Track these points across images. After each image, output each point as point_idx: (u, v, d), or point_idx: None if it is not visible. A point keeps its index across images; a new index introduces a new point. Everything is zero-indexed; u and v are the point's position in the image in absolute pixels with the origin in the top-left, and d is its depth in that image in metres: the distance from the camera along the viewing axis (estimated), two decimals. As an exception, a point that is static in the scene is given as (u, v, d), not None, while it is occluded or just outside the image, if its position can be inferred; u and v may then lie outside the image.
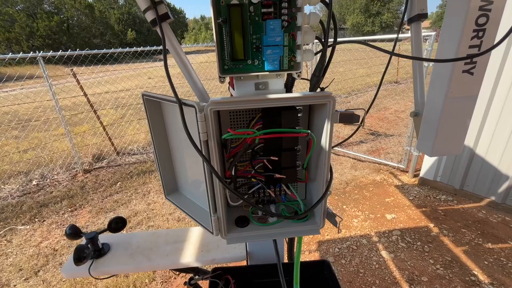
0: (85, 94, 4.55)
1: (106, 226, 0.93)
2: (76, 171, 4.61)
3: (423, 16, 0.70)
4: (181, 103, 0.47)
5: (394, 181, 4.00)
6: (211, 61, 8.19)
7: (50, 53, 3.98)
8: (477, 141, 3.15)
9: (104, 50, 4.28)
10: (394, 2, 45.16)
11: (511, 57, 2.76)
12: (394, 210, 3.32)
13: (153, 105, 0.64)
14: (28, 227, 3.41)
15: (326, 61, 0.51)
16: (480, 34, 0.54)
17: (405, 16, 0.72)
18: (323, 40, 0.50)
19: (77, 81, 4.40)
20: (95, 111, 4.73)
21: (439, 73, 0.60)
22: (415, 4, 0.70)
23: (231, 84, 0.62)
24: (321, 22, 0.50)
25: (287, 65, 0.52)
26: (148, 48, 4.68)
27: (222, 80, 0.52)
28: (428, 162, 3.73)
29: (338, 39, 0.53)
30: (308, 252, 2.73)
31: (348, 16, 48.98)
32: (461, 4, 0.52)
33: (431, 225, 3.00)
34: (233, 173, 0.56)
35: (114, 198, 4.00)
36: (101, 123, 4.83)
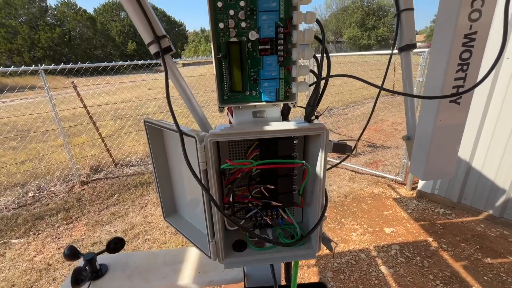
0: (85, 106, 4.58)
1: (102, 241, 0.93)
2: (73, 182, 4.59)
3: (412, 46, 0.73)
4: (182, 134, 0.49)
5: (392, 194, 4.01)
6: (211, 74, 8.32)
7: (52, 66, 4.04)
8: (473, 155, 3.18)
9: (105, 64, 4.35)
10: (389, 17, 46.48)
11: (503, 71, 2.83)
12: (392, 223, 3.31)
13: (154, 132, 0.66)
14: (22, 240, 3.36)
15: (320, 92, 0.54)
16: (465, 67, 0.57)
17: (395, 46, 0.76)
18: (317, 73, 0.53)
19: (77, 93, 4.44)
20: (94, 123, 4.75)
21: (428, 102, 0.63)
22: (405, 35, 0.74)
23: (229, 111, 0.65)
24: (315, 57, 0.53)
25: (283, 96, 0.55)
26: (148, 61, 4.75)
27: (221, 109, 0.55)
28: (425, 175, 3.75)
29: (331, 74, 0.56)
30: (307, 267, 2.70)
31: (345, 30, 50.20)
32: (444, 41, 0.55)
33: (430, 239, 2.98)
34: (231, 200, 0.58)
35: (111, 210, 3.97)
36: (100, 134, 4.85)
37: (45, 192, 4.36)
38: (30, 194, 4.27)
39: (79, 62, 4.45)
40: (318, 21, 0.49)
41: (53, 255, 3.08)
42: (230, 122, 0.64)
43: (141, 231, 3.49)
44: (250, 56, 0.51)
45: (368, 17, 47.59)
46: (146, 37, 0.54)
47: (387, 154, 5.45)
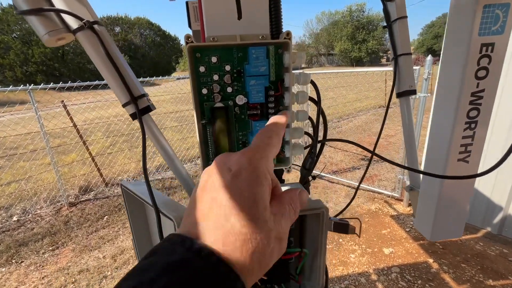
0: (75, 126, 4.48)
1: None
2: (61, 204, 4.42)
3: (412, 92, 0.69)
4: (159, 213, 0.43)
5: (389, 211, 3.95)
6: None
7: (41, 86, 3.97)
8: (469, 172, 3.17)
9: (96, 82, 4.29)
10: (378, 31, 48.10)
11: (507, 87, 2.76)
12: (391, 243, 3.24)
13: (133, 198, 0.59)
14: (3, 269, 3.16)
15: (316, 155, 0.49)
16: (472, 125, 0.52)
17: (394, 91, 0.72)
18: (312, 135, 0.48)
19: (67, 112, 4.35)
20: (84, 142, 4.64)
21: (435, 159, 0.58)
22: (403, 81, 0.70)
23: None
24: (310, 119, 0.48)
25: (276, 160, 0.49)
26: (141, 79, 4.72)
27: (206, 179, 0.49)
28: (421, 191, 3.73)
29: (327, 138, 0.51)
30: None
31: (336, 43, 51.62)
32: (449, 104, 0.51)
33: (430, 260, 2.91)
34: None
35: (100, 234, 3.81)
36: (90, 154, 4.73)
37: (30, 215, 4.18)
38: (15, 218, 4.08)
39: (72, 75, 4.39)
40: (313, 82, 0.45)
41: (36, 286, 2.90)
42: None
43: (132, 255, 3.33)
44: (238, 119, 0.46)
45: (358, 30, 49.20)
46: (121, 97, 0.48)
47: (382, 169, 5.43)
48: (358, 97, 11.37)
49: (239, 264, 0.23)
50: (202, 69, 0.42)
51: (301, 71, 0.49)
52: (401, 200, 4.13)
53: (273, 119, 0.36)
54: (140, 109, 0.48)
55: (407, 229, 3.47)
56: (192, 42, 0.39)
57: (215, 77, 0.43)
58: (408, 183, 2.91)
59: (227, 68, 0.42)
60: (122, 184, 0.55)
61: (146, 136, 0.50)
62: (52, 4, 0.44)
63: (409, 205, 3.97)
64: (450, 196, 0.58)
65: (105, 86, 4.94)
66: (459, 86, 0.50)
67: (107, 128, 7.08)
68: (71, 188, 4.79)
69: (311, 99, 0.46)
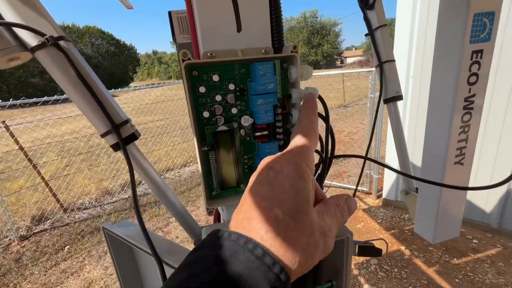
0: (21, 148, 3.97)
1: None
2: (10, 240, 3.85)
3: (399, 98, 0.71)
4: (161, 264, 0.36)
5: (361, 205, 4.15)
6: (167, 95, 7.97)
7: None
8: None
9: (45, 98, 3.86)
10: (331, 35, 51.44)
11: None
12: (367, 236, 3.39)
13: (119, 243, 0.50)
14: None
15: (326, 173, 0.46)
16: (466, 129, 0.54)
17: (381, 97, 0.73)
18: (322, 153, 0.45)
19: (10, 133, 3.84)
20: (34, 166, 4.13)
21: (432, 164, 0.59)
22: (390, 87, 0.71)
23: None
24: (319, 137, 0.46)
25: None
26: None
27: (211, 212, 0.43)
28: (388, 183, 3.97)
29: (335, 151, 0.49)
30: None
31: (294, 47, 53.87)
32: (444, 110, 0.52)
33: (403, 247, 3.10)
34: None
35: (61, 267, 3.39)
36: (42, 178, 4.22)
37: (-30, 257, 3.57)
38: (-51, 263, 3.45)
39: (13, 93, 3.89)
40: (320, 98, 0.42)
41: None
42: (218, 218, 0.52)
43: (102, 287, 3.02)
44: (243, 141, 0.41)
45: (313, 35, 52.01)
46: (100, 127, 0.40)
47: (349, 165, 5.70)
48: (338, 95, 11.90)
49: (282, 253, 0.24)
50: (202, 89, 0.36)
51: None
52: (370, 194, 4.37)
53: (304, 112, 0.37)
54: (124, 138, 0.41)
55: (379, 221, 3.66)
56: (189, 59, 0.34)
57: (217, 98, 0.37)
58: (375, 177, 3.07)
59: (231, 86, 0.37)
60: (105, 228, 0.46)
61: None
62: (1, 17, 0.35)
63: (378, 197, 4.23)
64: (449, 200, 0.59)
65: (56, 102, 4.46)
66: (453, 93, 0.51)
67: (62, 147, 6.41)
68: (21, 220, 4.22)
69: (319, 115, 0.44)
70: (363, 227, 3.58)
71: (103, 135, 0.41)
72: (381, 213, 3.85)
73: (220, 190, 0.42)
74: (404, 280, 2.63)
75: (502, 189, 3.04)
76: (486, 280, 2.54)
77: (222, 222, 0.50)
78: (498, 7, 0.47)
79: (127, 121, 0.42)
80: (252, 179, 0.30)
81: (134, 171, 0.43)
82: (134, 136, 0.42)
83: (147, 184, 0.46)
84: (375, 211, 3.93)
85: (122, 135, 0.41)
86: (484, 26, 0.47)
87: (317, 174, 0.47)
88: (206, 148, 0.38)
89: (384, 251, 0.44)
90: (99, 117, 0.39)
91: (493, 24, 0.48)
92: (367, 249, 0.42)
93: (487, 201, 3.15)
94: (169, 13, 0.49)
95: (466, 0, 0.45)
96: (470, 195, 3.22)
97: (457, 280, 2.58)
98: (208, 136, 0.38)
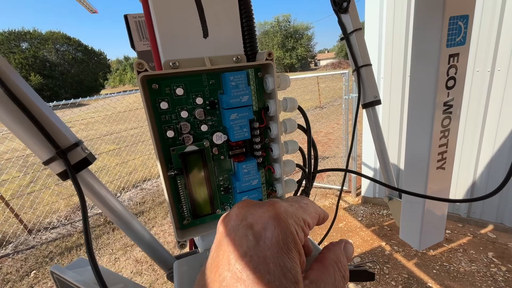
0: (-25, 166, 3.58)
1: None
2: (-36, 270, 3.44)
3: (377, 102, 0.69)
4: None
5: (342, 204, 4.22)
6: (141, 101, 7.66)
7: None
8: (400, 157, 3.59)
9: None
10: (304, 39, 53.01)
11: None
12: (349, 235, 3.44)
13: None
14: None
15: (310, 188, 0.43)
16: (446, 133, 0.53)
17: (360, 102, 0.71)
18: (305, 168, 0.41)
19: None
20: (-9, 185, 3.74)
21: (415, 171, 0.58)
22: (368, 91, 0.70)
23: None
24: (300, 149, 0.42)
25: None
26: (54, 103, 4.06)
27: (183, 245, 0.37)
28: (366, 181, 4.08)
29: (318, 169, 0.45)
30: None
31: (269, 51, 54.84)
32: (424, 115, 0.51)
33: (383, 243, 3.18)
34: None
35: (26, 295, 3.08)
36: (1, 197, 3.83)
37: None
38: None
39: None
40: (300, 108, 0.38)
41: None
42: (193, 247, 0.46)
43: (74, 313, 2.77)
44: (217, 161, 0.36)
45: (287, 39, 53.24)
46: (41, 154, 0.33)
47: (327, 164, 5.81)
48: (314, 97, 12.11)
49: None
50: (164, 105, 0.31)
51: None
52: (350, 192, 4.47)
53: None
54: (74, 165, 0.34)
55: (359, 219, 3.75)
56: (146, 70, 0.28)
57: (183, 114, 0.32)
58: (353, 175, 3.11)
59: (199, 100, 0.32)
60: (54, 272, 0.38)
61: (86, 198, 0.36)
62: None
63: (357, 195, 4.34)
64: (433, 207, 0.58)
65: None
66: (432, 97, 0.50)
67: (24, 162, 5.89)
68: (-23, 246, 3.80)
69: (299, 127, 0.40)
70: (344, 226, 3.64)
71: (45, 163, 0.33)
72: (361, 211, 3.94)
73: (192, 219, 0.36)
74: (387, 276, 2.69)
75: (468, 180, 3.23)
76: (460, 269, 2.67)
77: (198, 250, 0.44)
78: (472, 10, 0.46)
79: (76, 144, 0.35)
80: (221, 230, 0.24)
81: (91, 201, 0.36)
82: (87, 161, 0.35)
83: (107, 215, 0.39)
84: (355, 209, 4.02)
85: (71, 161, 0.34)
86: (459, 30, 0.46)
87: (300, 190, 0.43)
88: (173, 173, 0.33)
89: (377, 275, 0.41)
90: (40, 142, 0.32)
91: (468, 28, 0.47)
92: (360, 274, 0.39)
93: (456, 193, 3.33)
94: (125, 16, 0.42)
95: (442, 3, 0.43)
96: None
97: (434, 271, 2.68)
98: (175, 158, 0.33)
